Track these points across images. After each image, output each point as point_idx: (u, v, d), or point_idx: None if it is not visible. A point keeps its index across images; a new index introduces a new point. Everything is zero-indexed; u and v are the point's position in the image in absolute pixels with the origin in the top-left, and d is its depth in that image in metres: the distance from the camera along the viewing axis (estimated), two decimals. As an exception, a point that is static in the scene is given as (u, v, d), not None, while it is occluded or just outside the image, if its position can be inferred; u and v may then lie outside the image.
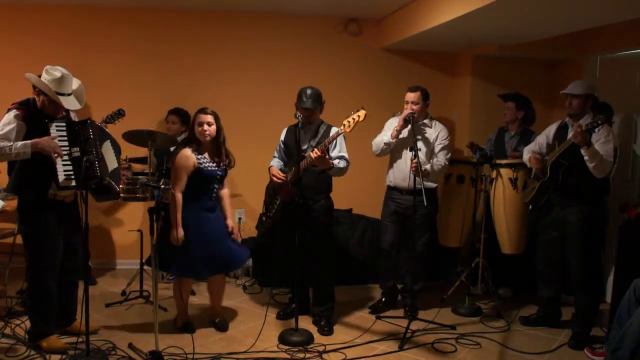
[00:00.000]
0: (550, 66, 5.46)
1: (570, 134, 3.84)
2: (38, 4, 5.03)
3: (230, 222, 3.86)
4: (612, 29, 4.38)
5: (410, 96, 4.11)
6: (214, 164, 3.74)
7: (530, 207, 4.15)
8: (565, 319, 4.14)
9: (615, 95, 4.56)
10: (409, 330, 3.85)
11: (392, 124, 4.24)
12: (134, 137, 4.37)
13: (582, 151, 3.62)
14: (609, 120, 4.34)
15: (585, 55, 4.93)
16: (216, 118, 3.72)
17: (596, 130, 3.63)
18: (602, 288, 4.40)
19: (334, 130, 3.88)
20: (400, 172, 4.18)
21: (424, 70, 5.61)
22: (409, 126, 4.06)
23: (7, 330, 3.70)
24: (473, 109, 5.42)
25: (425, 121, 4.22)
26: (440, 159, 4.16)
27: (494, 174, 4.45)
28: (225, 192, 3.92)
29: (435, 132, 4.21)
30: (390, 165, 4.29)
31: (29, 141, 3.20)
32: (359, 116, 3.64)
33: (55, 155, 3.23)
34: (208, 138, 3.69)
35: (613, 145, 3.68)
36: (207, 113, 3.70)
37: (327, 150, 3.82)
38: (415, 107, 4.08)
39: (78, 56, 5.04)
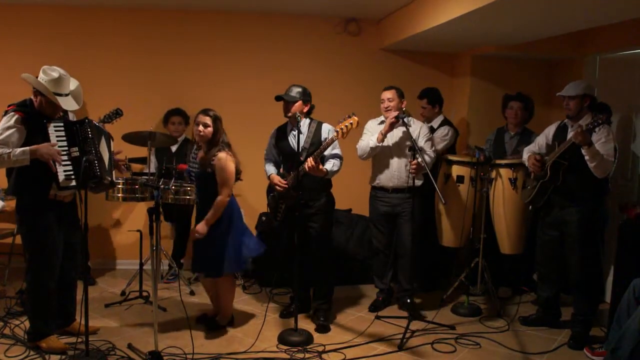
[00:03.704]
0: (550, 66, 5.45)
1: (570, 134, 3.84)
2: (35, 4, 5.03)
3: (198, 226, 3.72)
4: (612, 29, 4.37)
5: (386, 94, 4.20)
6: (197, 165, 3.76)
7: (530, 207, 4.15)
8: (565, 319, 4.14)
9: (614, 95, 4.56)
10: (408, 330, 3.85)
11: (372, 126, 4.29)
12: (134, 137, 4.38)
13: (583, 151, 3.62)
14: (608, 119, 4.35)
15: (584, 55, 4.92)
16: (215, 121, 3.70)
17: (596, 130, 3.62)
18: (601, 288, 4.40)
19: (324, 128, 3.93)
20: (387, 172, 4.23)
21: (423, 70, 5.61)
22: (394, 129, 4.12)
23: (7, 331, 3.69)
24: (472, 109, 5.42)
25: (404, 120, 4.23)
26: (429, 152, 4.19)
27: (493, 174, 4.45)
28: (217, 199, 3.69)
29: (417, 129, 4.23)
30: (375, 166, 4.33)
31: (27, 148, 3.19)
32: (351, 124, 3.66)
33: (54, 162, 3.23)
34: (199, 139, 3.71)
35: (613, 145, 3.68)
36: (206, 114, 3.69)
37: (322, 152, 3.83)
38: (391, 104, 4.15)
39: (75, 56, 5.04)
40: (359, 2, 4.79)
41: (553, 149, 3.90)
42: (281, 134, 4.07)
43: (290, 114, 3.93)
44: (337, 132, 3.68)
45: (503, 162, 4.44)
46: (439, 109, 4.92)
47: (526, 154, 4.17)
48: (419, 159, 3.85)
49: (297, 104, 3.92)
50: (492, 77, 5.38)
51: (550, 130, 4.07)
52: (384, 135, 4.11)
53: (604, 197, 3.92)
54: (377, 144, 4.13)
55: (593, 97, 3.86)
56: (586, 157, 3.62)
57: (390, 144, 4.21)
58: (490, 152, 4.69)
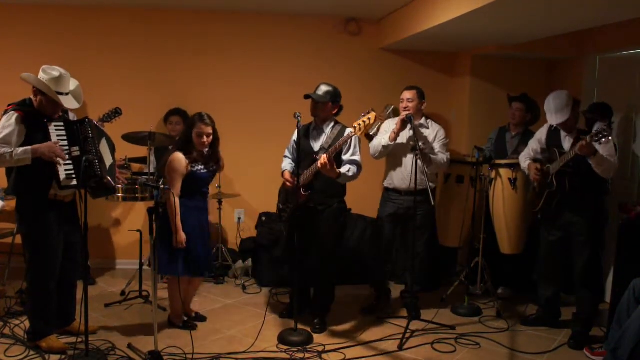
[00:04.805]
0: (550, 66, 5.45)
1: (564, 139, 3.84)
2: (35, 4, 5.03)
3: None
4: (612, 29, 4.38)
5: (406, 94, 4.18)
6: (204, 167, 3.76)
7: (539, 216, 4.12)
8: (564, 319, 4.14)
9: (615, 95, 4.56)
10: (408, 330, 3.85)
11: (390, 125, 4.24)
12: (133, 137, 4.38)
13: (590, 160, 3.60)
14: (609, 120, 4.35)
15: (585, 55, 4.93)
16: (214, 125, 3.73)
17: (602, 141, 3.53)
18: (602, 288, 4.40)
19: (347, 132, 3.84)
20: (400, 174, 4.20)
21: (424, 70, 5.61)
22: (407, 128, 4.07)
23: (7, 331, 3.70)
24: (472, 109, 5.41)
25: (422, 122, 4.24)
26: (442, 155, 4.17)
27: (493, 174, 4.45)
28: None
29: (434, 132, 4.23)
30: (389, 167, 4.30)
31: (29, 147, 3.19)
32: (369, 119, 3.60)
33: (57, 159, 3.23)
34: (204, 148, 3.73)
35: (613, 144, 3.68)
36: (207, 124, 3.68)
37: (339, 153, 3.80)
38: (410, 105, 4.12)
39: (75, 56, 5.04)
40: (359, 2, 4.79)
41: (551, 155, 3.87)
42: (303, 132, 3.99)
43: (321, 117, 3.91)
44: (354, 128, 3.61)
45: (503, 162, 4.44)
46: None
47: (524, 161, 4.12)
48: (419, 158, 3.84)
49: (327, 106, 3.88)
50: (492, 77, 5.38)
51: (542, 134, 4.04)
52: (396, 134, 4.07)
53: (604, 197, 3.93)
54: (390, 143, 4.10)
55: (578, 101, 3.85)
56: (592, 164, 3.62)
57: (404, 144, 4.15)
58: (492, 151, 4.70)
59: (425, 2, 4.31)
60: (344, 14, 5.38)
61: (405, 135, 4.14)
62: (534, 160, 4.05)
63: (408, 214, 4.17)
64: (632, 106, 4.53)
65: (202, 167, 3.75)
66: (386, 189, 4.34)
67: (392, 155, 4.25)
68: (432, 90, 5.44)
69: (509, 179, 4.35)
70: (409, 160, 4.14)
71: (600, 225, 3.97)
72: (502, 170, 4.40)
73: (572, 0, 3.32)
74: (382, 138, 4.15)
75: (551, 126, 3.96)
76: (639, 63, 4.53)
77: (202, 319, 4.10)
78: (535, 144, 4.09)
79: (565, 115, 3.72)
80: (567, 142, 3.84)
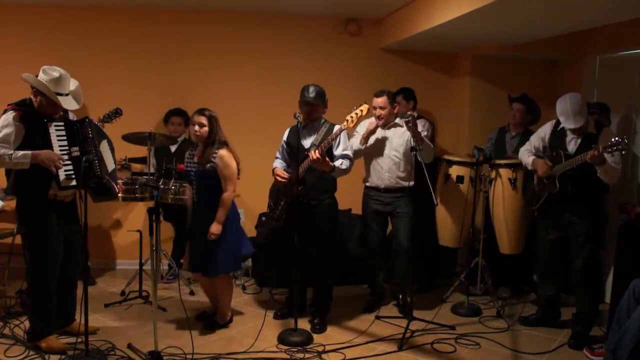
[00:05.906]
0: (550, 66, 5.45)
1: (570, 142, 3.83)
2: (35, 4, 5.03)
3: (211, 227, 3.69)
4: (612, 29, 4.37)
5: (377, 101, 4.19)
6: (191, 164, 3.81)
7: (536, 214, 4.12)
8: (564, 319, 4.14)
9: (614, 95, 4.56)
10: (408, 330, 3.85)
11: (365, 126, 4.27)
12: (133, 137, 4.38)
13: (598, 169, 3.59)
14: (608, 120, 4.34)
15: (585, 55, 4.92)
16: (211, 120, 3.72)
17: (611, 153, 3.50)
18: (602, 288, 4.40)
19: (336, 128, 3.88)
20: (376, 172, 4.25)
21: (423, 70, 5.61)
22: (387, 130, 4.20)
23: (7, 331, 3.70)
24: (472, 109, 5.41)
25: (396, 121, 4.26)
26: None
27: (493, 174, 4.45)
28: (223, 195, 3.76)
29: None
30: (367, 166, 4.34)
31: (29, 152, 3.19)
32: (361, 111, 3.67)
33: (55, 167, 3.23)
34: (196, 139, 3.75)
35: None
36: (201, 114, 3.71)
37: (331, 149, 3.83)
38: (383, 112, 4.16)
39: (75, 56, 5.04)
40: (359, 2, 4.79)
41: (555, 156, 3.85)
42: (293, 132, 4.04)
43: (313, 118, 3.95)
44: (346, 120, 3.64)
45: (503, 162, 4.44)
46: (414, 105, 4.97)
47: (527, 156, 4.08)
48: (402, 161, 4.01)
49: (319, 107, 3.94)
50: (492, 77, 5.37)
51: (545, 133, 4.03)
52: (365, 139, 4.16)
53: (604, 197, 3.94)
54: (360, 147, 4.19)
55: (589, 103, 3.85)
56: (599, 172, 3.61)
57: (383, 145, 4.21)
58: (492, 151, 4.70)
59: (425, 2, 4.31)
60: (343, 15, 5.38)
61: (382, 138, 4.19)
62: (537, 156, 4.03)
63: (387, 210, 4.25)
64: (632, 106, 4.53)
65: (192, 163, 3.81)
66: (366, 187, 4.38)
67: (370, 157, 4.29)
68: (432, 90, 5.47)
69: (509, 179, 4.35)
70: (385, 159, 4.20)
71: (600, 225, 3.97)
72: (502, 170, 4.40)
73: (572, 0, 3.33)
74: (354, 142, 4.19)
75: (556, 125, 3.95)
76: (639, 63, 4.52)
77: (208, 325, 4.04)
78: (537, 141, 4.07)
79: (582, 120, 3.69)
80: (572, 144, 3.82)
